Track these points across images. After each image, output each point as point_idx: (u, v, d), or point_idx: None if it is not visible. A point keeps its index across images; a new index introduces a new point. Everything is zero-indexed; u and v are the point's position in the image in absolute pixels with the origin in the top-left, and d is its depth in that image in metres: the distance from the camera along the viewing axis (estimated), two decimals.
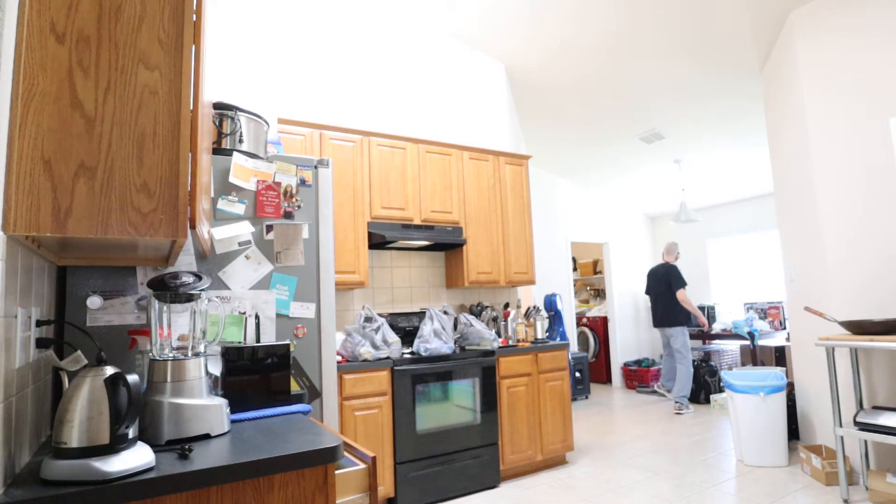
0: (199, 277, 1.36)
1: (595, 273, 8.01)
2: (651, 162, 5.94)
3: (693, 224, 7.21)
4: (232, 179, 1.77)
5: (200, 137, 1.19)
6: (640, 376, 6.41)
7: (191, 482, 0.97)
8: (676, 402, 5.10)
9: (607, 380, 6.93)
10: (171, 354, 1.30)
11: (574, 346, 6.74)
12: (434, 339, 3.12)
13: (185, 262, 1.67)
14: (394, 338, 2.99)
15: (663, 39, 3.81)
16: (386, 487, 2.84)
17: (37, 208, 0.95)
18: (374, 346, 2.93)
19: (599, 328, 6.97)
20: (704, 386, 5.47)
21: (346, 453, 1.44)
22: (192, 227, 1.13)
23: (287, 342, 1.64)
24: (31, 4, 0.98)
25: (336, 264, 3.10)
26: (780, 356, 5.54)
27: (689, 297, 7.16)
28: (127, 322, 1.56)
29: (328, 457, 1.12)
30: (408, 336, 3.46)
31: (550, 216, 6.56)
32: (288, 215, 1.89)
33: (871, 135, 3.00)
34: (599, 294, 8.22)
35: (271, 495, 1.07)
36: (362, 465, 1.29)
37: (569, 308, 6.53)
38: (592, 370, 7.09)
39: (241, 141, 1.89)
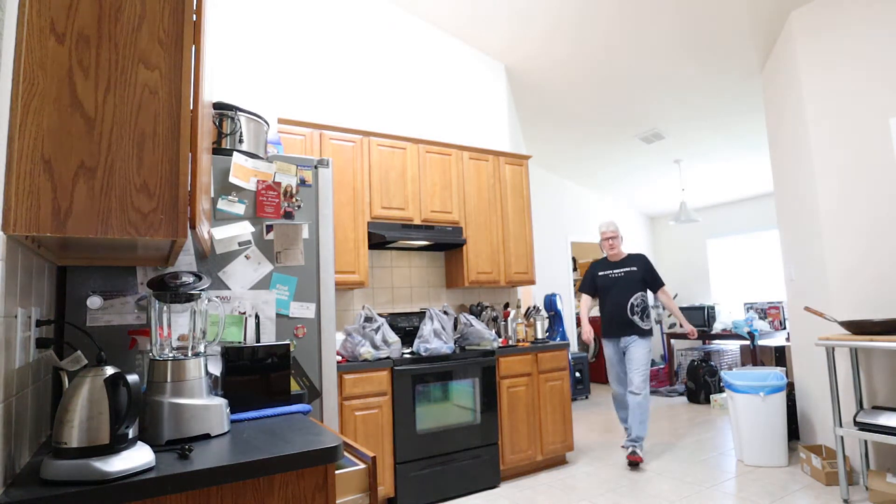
0: (199, 277, 1.36)
1: None
2: (651, 162, 5.94)
3: (693, 224, 7.21)
4: (232, 179, 1.77)
5: (200, 137, 1.19)
6: None
7: (191, 482, 0.97)
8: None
9: (607, 380, 6.92)
10: (171, 354, 1.30)
11: (574, 346, 6.74)
12: (434, 339, 3.12)
13: (185, 262, 1.67)
14: (394, 338, 2.98)
15: (663, 39, 3.81)
16: (386, 487, 2.84)
17: (37, 208, 0.95)
18: (374, 346, 2.93)
19: (599, 328, 6.97)
20: (704, 386, 5.47)
21: (346, 453, 1.44)
22: (192, 227, 1.13)
23: (287, 342, 1.64)
24: (31, 4, 0.97)
25: (336, 264, 3.09)
26: (780, 356, 5.53)
27: (690, 297, 7.17)
28: (127, 322, 1.56)
29: (328, 457, 1.12)
30: (408, 336, 3.46)
31: (550, 216, 6.56)
32: (288, 215, 1.89)
33: (871, 135, 3.00)
34: None
35: (271, 495, 1.07)
36: (362, 465, 1.29)
37: (569, 308, 6.53)
38: (592, 370, 7.09)
39: (241, 141, 1.89)
